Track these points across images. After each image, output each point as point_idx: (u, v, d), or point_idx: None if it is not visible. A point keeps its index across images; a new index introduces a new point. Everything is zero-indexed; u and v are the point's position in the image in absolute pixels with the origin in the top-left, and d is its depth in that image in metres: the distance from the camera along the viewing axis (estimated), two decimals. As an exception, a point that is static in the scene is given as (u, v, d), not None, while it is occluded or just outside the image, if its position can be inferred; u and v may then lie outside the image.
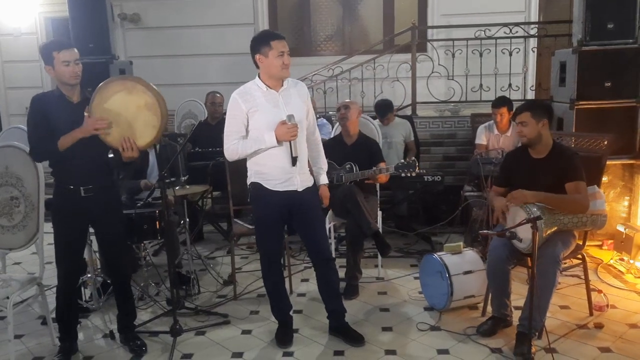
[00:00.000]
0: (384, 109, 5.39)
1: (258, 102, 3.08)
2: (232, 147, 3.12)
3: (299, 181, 3.18)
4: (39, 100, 3.03)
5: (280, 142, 3.04)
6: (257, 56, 3.05)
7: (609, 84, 4.67)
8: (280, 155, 3.10)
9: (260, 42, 3.05)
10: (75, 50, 3.00)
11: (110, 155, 3.15)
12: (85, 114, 2.92)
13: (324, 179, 3.42)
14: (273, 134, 3.02)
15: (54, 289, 3.25)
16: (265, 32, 3.18)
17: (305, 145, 3.23)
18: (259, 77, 3.14)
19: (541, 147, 3.28)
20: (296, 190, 3.17)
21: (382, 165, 4.13)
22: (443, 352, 3.18)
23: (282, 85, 3.14)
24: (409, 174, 3.95)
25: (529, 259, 3.12)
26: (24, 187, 3.33)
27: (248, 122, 3.10)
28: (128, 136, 2.95)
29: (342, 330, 3.38)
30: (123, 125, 2.96)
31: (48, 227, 3.26)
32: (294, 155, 3.09)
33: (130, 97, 2.96)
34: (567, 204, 3.17)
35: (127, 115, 2.96)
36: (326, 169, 3.46)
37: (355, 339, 3.31)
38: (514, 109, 3.37)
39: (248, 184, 3.26)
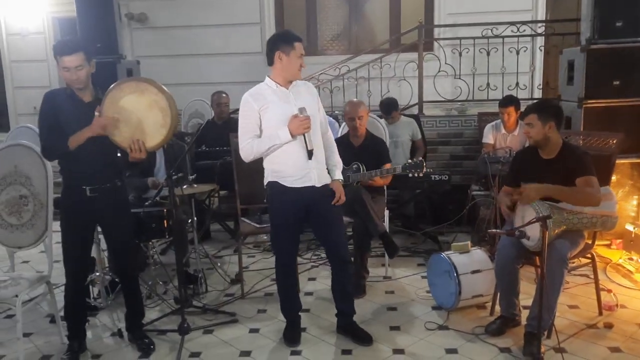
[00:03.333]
0: (388, 107, 5.38)
1: (269, 99, 3.09)
2: (247, 147, 3.11)
3: (316, 176, 3.16)
4: (50, 98, 3.03)
5: (294, 136, 3.04)
6: (278, 53, 3.05)
7: (618, 82, 4.63)
8: (296, 150, 3.09)
9: (283, 41, 3.06)
10: (79, 55, 2.90)
11: (118, 155, 3.16)
12: (96, 113, 2.93)
13: (338, 175, 3.33)
14: (286, 129, 3.02)
15: (63, 288, 3.26)
16: (289, 32, 3.17)
17: (320, 140, 3.21)
18: (268, 77, 3.16)
19: (550, 147, 3.25)
20: (314, 186, 3.16)
21: (387, 166, 4.12)
22: (451, 351, 3.18)
23: (292, 84, 3.16)
24: (416, 174, 3.93)
25: (537, 257, 3.10)
26: (32, 186, 3.34)
27: (261, 121, 3.11)
28: (138, 137, 2.95)
29: (350, 329, 3.37)
30: (133, 125, 2.97)
31: (57, 225, 3.27)
32: (309, 148, 3.08)
33: (142, 98, 2.96)
34: (578, 196, 3.12)
35: (138, 116, 2.97)
36: (341, 167, 3.39)
37: (363, 338, 3.30)
38: (523, 109, 3.34)
39: (265, 184, 3.25)
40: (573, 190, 3.13)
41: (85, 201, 3.07)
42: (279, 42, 3.07)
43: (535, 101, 6.35)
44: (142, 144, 2.97)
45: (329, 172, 3.29)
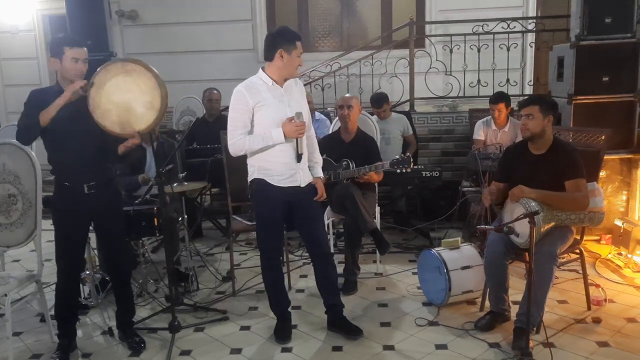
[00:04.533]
0: (379, 101, 5.39)
1: (264, 96, 3.09)
2: (239, 143, 3.11)
3: (302, 177, 3.21)
4: (37, 95, 3.01)
5: (288, 138, 3.06)
6: (280, 51, 3.05)
7: (607, 78, 4.66)
8: (286, 151, 3.12)
9: (286, 39, 3.06)
10: (86, 50, 3.01)
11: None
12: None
13: (319, 172, 3.40)
14: (281, 131, 3.04)
15: (53, 286, 3.25)
16: (291, 30, 3.15)
17: (306, 143, 3.25)
18: (263, 70, 3.14)
19: (542, 143, 3.26)
20: (299, 186, 3.20)
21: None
22: (441, 347, 3.19)
23: (285, 82, 3.17)
24: (404, 170, 3.94)
25: (526, 253, 3.12)
26: (21, 185, 3.33)
27: (253, 117, 3.10)
28: (127, 119, 2.92)
29: (339, 323, 3.38)
30: (122, 108, 2.93)
31: (46, 224, 3.26)
32: (299, 152, 3.13)
33: (130, 79, 2.92)
34: (567, 202, 3.16)
35: (126, 98, 2.93)
36: (321, 164, 3.46)
37: (354, 331, 3.32)
38: (521, 101, 3.32)
39: (249, 180, 3.25)
40: (561, 196, 3.16)
41: (82, 199, 3.06)
42: (282, 40, 3.06)
43: (528, 95, 6.42)
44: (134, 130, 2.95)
45: (310, 168, 3.33)
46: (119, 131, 2.96)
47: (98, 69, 2.94)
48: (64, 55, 2.95)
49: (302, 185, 3.21)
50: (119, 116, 2.94)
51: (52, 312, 3.30)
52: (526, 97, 6.37)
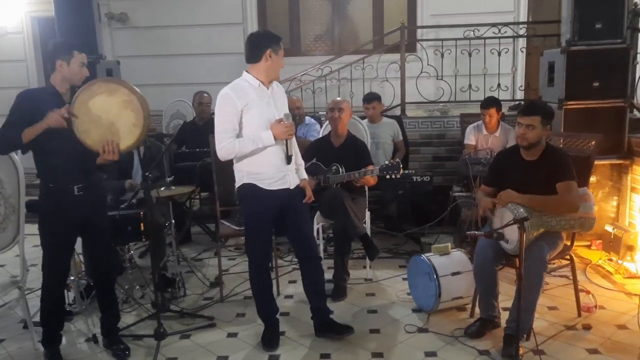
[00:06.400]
0: (370, 98, 5.36)
1: (251, 98, 3.06)
2: (228, 146, 3.06)
3: (291, 179, 3.21)
4: (27, 95, 2.97)
5: (277, 140, 3.05)
6: (268, 51, 3.05)
7: (597, 84, 4.65)
8: (275, 154, 3.10)
9: (272, 40, 3.09)
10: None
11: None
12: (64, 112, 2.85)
13: (304, 174, 3.41)
14: (270, 133, 3.03)
15: (37, 292, 3.18)
16: (272, 32, 3.21)
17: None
18: (248, 73, 3.12)
19: (536, 149, 3.23)
20: (289, 188, 3.19)
21: (369, 168, 4.10)
22: (431, 354, 3.16)
23: (270, 84, 3.17)
24: (393, 176, 3.91)
25: (516, 259, 3.10)
26: (3, 189, 3.27)
27: (241, 119, 3.07)
28: (109, 139, 2.89)
29: (327, 326, 3.35)
30: (104, 127, 2.90)
31: (29, 229, 3.19)
32: (289, 153, 3.12)
33: (113, 99, 2.90)
34: (556, 205, 3.13)
35: (109, 118, 2.90)
36: (304, 166, 3.46)
37: (344, 330, 3.31)
38: (521, 108, 3.27)
39: (237, 186, 3.21)
40: (550, 199, 3.12)
41: (72, 201, 3.01)
42: (269, 41, 3.07)
43: (523, 100, 6.42)
44: (116, 145, 2.91)
45: (295, 172, 3.33)
46: (100, 149, 2.90)
47: (81, 88, 2.90)
48: (73, 58, 2.95)
49: (292, 188, 3.20)
50: (100, 135, 2.89)
51: (36, 319, 3.23)
52: (517, 101, 6.44)
